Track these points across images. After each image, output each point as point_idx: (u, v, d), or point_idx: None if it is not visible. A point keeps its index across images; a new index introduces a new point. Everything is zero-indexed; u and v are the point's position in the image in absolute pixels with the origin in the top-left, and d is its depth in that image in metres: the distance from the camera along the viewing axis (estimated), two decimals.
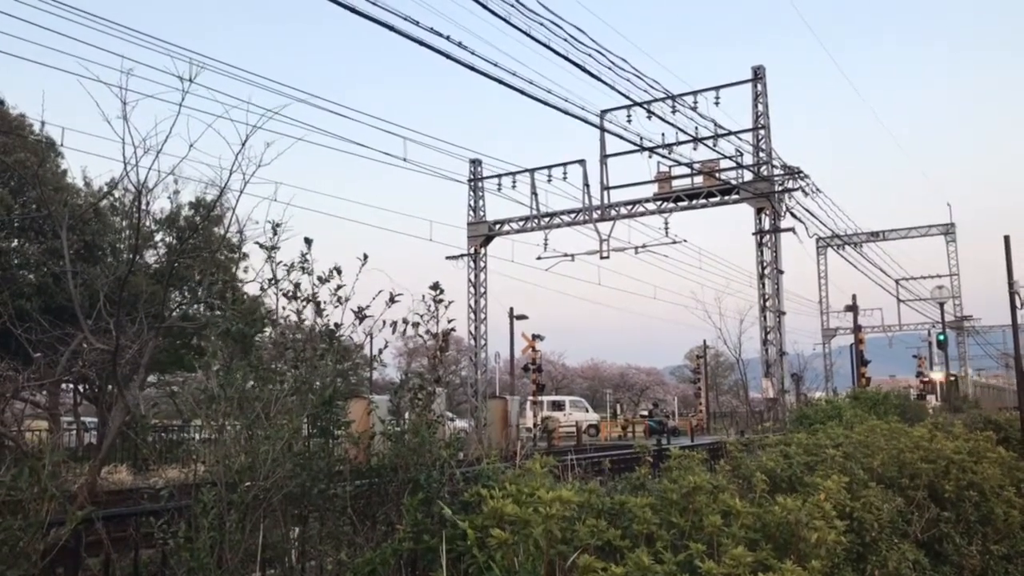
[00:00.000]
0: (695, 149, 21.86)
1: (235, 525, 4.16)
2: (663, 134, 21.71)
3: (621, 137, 19.54)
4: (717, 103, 21.73)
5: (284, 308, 5.05)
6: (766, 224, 21.56)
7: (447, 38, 10.36)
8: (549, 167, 25.08)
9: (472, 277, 27.08)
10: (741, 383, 20.96)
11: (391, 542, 4.50)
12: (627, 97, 14.46)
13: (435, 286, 5.81)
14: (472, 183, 27.15)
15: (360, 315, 5.33)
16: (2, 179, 19.89)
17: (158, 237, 23.68)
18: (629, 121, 20.96)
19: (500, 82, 11.41)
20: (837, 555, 5.24)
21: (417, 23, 9.99)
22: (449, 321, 5.79)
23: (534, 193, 25.15)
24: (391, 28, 9.66)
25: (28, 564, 3.58)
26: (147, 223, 20.47)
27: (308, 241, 5.38)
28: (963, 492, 7.86)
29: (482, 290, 27.12)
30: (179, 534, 4.11)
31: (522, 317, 38.47)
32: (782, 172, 22.04)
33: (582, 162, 24.62)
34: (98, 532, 4.34)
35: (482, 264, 27.02)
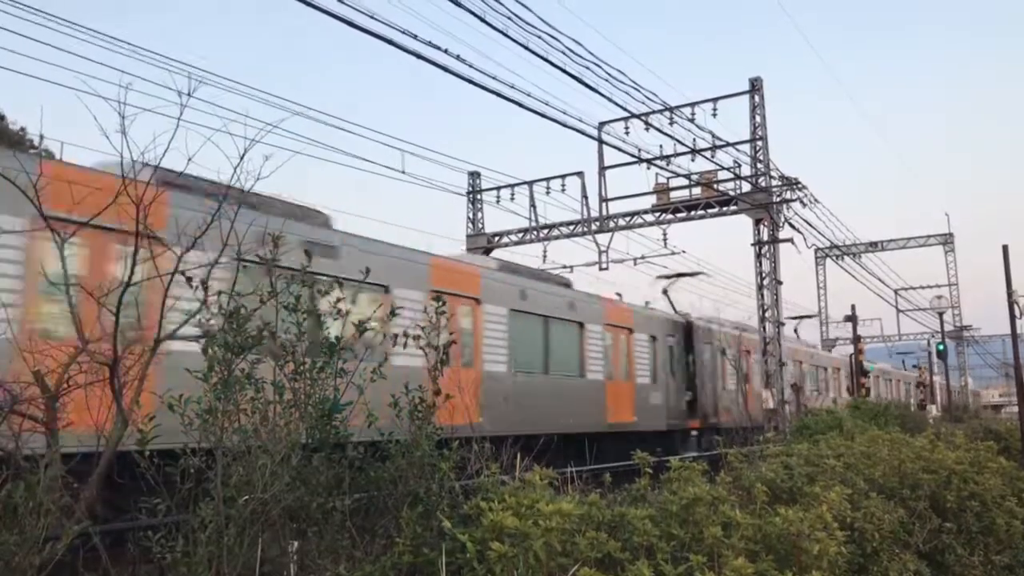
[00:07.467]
0: (693, 160, 21.89)
1: (233, 539, 4.14)
2: (661, 146, 21.75)
3: (619, 149, 19.59)
4: (715, 115, 21.76)
5: (284, 320, 5.04)
6: (764, 235, 21.56)
7: (445, 51, 10.41)
8: (547, 179, 25.13)
9: None
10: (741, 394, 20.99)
11: (390, 555, 4.47)
12: (625, 109, 14.53)
13: (437, 298, 5.83)
14: (471, 195, 27.21)
15: (361, 328, 5.32)
16: None
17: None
18: (627, 133, 20.98)
19: (498, 95, 11.45)
20: (838, 566, 5.22)
21: (415, 36, 10.04)
22: (451, 334, 5.79)
23: (533, 205, 25.19)
24: (390, 42, 9.71)
25: None
26: None
27: (308, 254, 5.39)
28: (965, 502, 7.84)
29: None
30: (177, 548, 4.09)
31: None
32: (780, 183, 22.07)
33: (580, 174, 24.67)
34: (95, 547, 4.31)
35: None
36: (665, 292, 25.25)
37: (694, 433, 21.78)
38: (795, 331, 27.49)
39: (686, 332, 22.35)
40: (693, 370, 22.25)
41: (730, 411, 23.12)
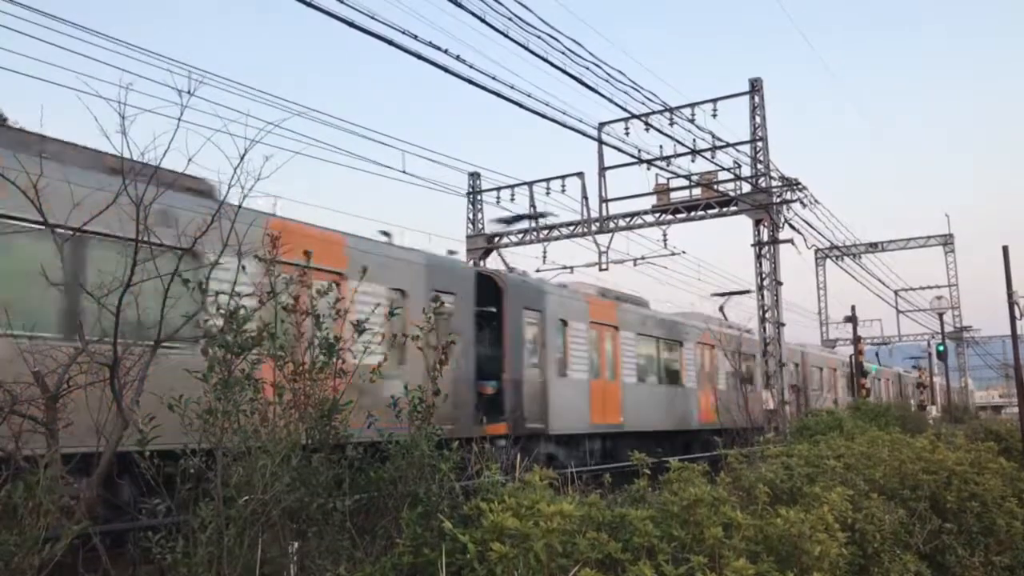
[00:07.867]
0: (693, 161, 21.86)
1: (233, 540, 4.13)
2: (660, 146, 21.70)
3: (619, 150, 19.56)
4: (715, 115, 21.72)
5: (283, 321, 5.04)
6: (764, 235, 21.54)
7: (445, 51, 10.40)
8: (548, 179, 25.13)
9: None
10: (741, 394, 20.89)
11: (390, 556, 4.47)
12: (625, 109, 14.51)
13: (435, 298, 5.84)
14: (471, 196, 27.20)
15: (359, 328, 5.32)
16: None
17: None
18: (627, 133, 20.95)
19: (498, 95, 11.43)
20: (839, 567, 5.22)
21: (416, 37, 10.03)
22: (449, 334, 5.79)
23: (532, 206, 25.17)
24: (390, 42, 9.69)
25: None
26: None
27: (308, 254, 5.39)
28: (965, 503, 7.83)
29: None
30: (177, 549, 4.08)
31: None
32: (780, 184, 22.06)
33: (580, 175, 24.67)
34: (96, 548, 4.31)
35: None
36: (493, 243, 18.79)
37: (501, 443, 13.58)
38: (720, 309, 25.14)
39: (490, 292, 14.70)
40: (502, 350, 14.74)
41: (575, 409, 16.37)
